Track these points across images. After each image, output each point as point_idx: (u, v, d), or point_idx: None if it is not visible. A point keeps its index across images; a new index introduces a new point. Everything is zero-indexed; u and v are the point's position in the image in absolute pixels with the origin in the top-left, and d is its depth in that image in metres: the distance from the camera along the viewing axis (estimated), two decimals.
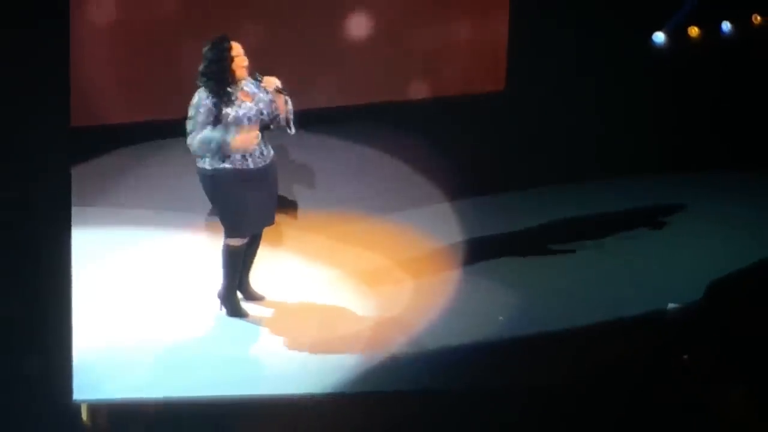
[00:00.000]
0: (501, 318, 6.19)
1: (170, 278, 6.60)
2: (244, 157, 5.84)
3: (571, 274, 6.90)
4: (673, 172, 8.73)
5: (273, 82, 5.90)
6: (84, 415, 5.23)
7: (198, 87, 5.85)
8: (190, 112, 5.80)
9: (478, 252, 7.20)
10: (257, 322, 6.14)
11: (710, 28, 10.97)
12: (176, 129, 6.25)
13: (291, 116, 5.94)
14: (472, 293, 6.58)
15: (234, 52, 5.79)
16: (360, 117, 9.59)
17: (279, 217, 7.36)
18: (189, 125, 5.79)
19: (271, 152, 6.01)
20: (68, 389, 4.89)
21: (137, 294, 6.39)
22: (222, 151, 5.74)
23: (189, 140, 5.78)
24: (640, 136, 9.41)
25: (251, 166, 5.87)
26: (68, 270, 4.67)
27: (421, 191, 8.33)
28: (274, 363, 5.87)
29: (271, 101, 5.91)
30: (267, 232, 6.59)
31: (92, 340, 5.66)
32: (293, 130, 6.00)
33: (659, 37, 10.77)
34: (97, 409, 5.31)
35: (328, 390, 5.54)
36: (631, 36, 10.53)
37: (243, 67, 5.83)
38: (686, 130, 9.50)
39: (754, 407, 5.23)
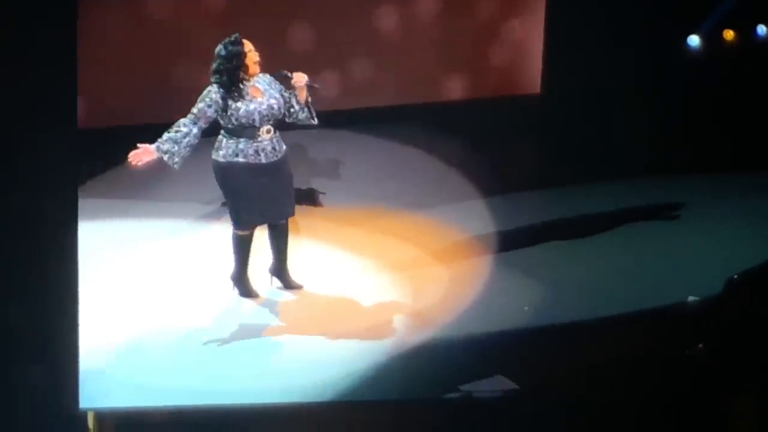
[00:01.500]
0: (526, 308, 6.33)
1: (183, 277, 6.68)
2: (256, 151, 6.00)
3: (595, 267, 7.02)
4: (702, 173, 8.78)
5: (302, 77, 6.06)
6: (90, 424, 5.24)
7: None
8: (198, 101, 5.95)
9: (508, 245, 7.35)
10: (277, 316, 6.24)
11: (745, 32, 10.79)
12: None
13: (311, 106, 6.12)
14: (500, 284, 6.73)
15: (246, 49, 5.93)
16: (400, 117, 9.73)
17: (321, 211, 7.62)
18: (195, 108, 5.94)
19: (284, 147, 6.15)
20: (74, 397, 4.91)
21: (148, 294, 6.44)
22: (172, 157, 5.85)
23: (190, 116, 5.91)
24: (670, 137, 9.42)
25: (263, 160, 6.03)
26: (75, 277, 4.65)
27: (455, 189, 8.45)
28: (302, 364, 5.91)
29: (284, 97, 6.09)
30: (308, 225, 7.01)
31: (100, 346, 5.68)
32: (316, 120, 6.19)
33: (694, 40, 10.67)
34: (104, 417, 5.33)
35: (356, 379, 5.67)
36: (666, 39, 10.42)
37: (255, 62, 5.99)
38: (716, 131, 9.51)
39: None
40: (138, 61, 9.53)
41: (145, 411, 5.39)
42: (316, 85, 6.12)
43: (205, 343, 5.88)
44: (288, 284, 6.45)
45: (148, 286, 6.63)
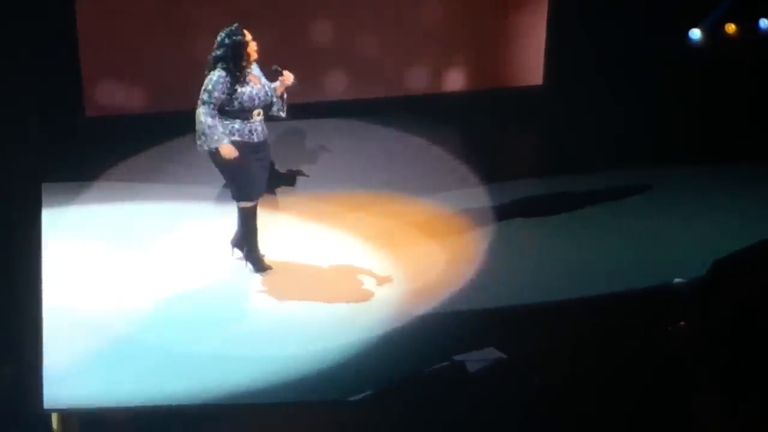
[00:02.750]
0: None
1: (151, 272, 6.90)
2: (250, 131, 6.48)
3: (586, 249, 7.36)
4: (694, 163, 8.99)
5: (291, 77, 6.59)
6: (55, 425, 5.23)
7: (208, 72, 6.41)
8: (208, 86, 6.36)
9: (504, 227, 7.73)
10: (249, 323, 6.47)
11: (748, 25, 10.88)
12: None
13: (284, 100, 6.63)
14: (494, 264, 7.12)
15: (247, 39, 6.42)
16: (406, 108, 10.03)
17: (325, 195, 8.06)
18: (204, 96, 6.35)
19: (266, 130, 6.68)
20: (38, 398, 4.89)
21: (114, 292, 6.60)
22: (207, 142, 6.34)
23: (201, 110, 6.33)
24: (667, 129, 9.63)
25: (255, 139, 6.52)
26: (38, 277, 4.71)
27: (458, 175, 8.78)
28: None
29: (272, 86, 6.58)
30: (310, 209, 7.52)
31: (64, 345, 5.76)
32: (284, 114, 6.70)
33: (695, 33, 10.79)
34: (69, 417, 5.32)
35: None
36: (668, 32, 10.51)
37: (255, 51, 6.46)
38: (714, 123, 9.69)
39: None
40: (139, 52, 9.72)
41: (110, 411, 5.46)
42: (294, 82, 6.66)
43: (178, 337, 6.14)
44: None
45: (113, 282, 6.87)
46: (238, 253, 6.88)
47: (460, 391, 5.74)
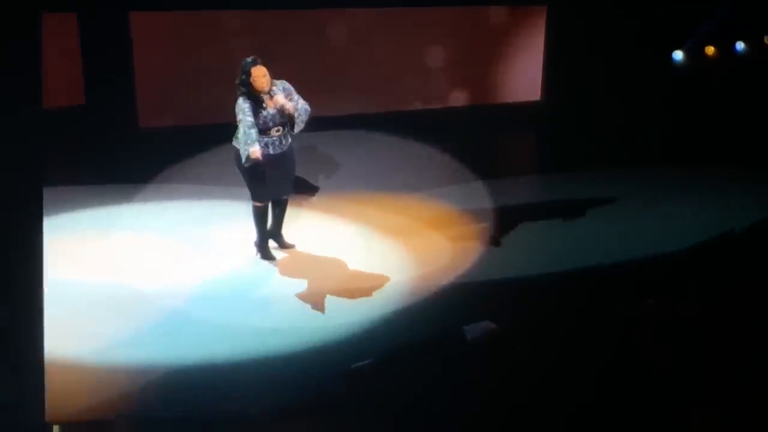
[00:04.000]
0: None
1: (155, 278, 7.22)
2: (266, 145, 7.11)
3: (574, 238, 8.09)
4: (671, 166, 9.75)
5: (279, 102, 7.07)
6: None
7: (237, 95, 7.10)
8: (238, 112, 7.04)
9: (500, 220, 8.44)
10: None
11: (725, 48, 11.45)
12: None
13: (297, 121, 7.17)
14: (490, 250, 7.85)
15: (254, 72, 7.01)
16: (417, 121, 10.85)
17: (347, 195, 8.71)
18: (240, 115, 7.01)
19: (290, 142, 7.26)
20: (40, 410, 4.68)
21: (114, 302, 6.81)
22: (242, 146, 6.99)
23: (240, 125, 7.00)
24: (650, 137, 10.33)
25: (271, 152, 7.15)
26: (40, 285, 4.38)
27: (462, 178, 9.48)
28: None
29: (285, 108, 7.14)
30: (333, 206, 8.20)
31: (66, 357, 5.85)
32: (294, 131, 7.25)
33: (679, 54, 11.35)
34: (70, 429, 5.33)
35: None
36: (653, 53, 11.05)
37: (261, 80, 7.02)
38: (690, 133, 10.35)
39: None
40: (190, 69, 10.50)
41: (111, 423, 5.49)
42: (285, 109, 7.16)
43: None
44: (282, 244, 7.63)
45: (165, 264, 7.41)
46: (273, 243, 7.55)
47: (460, 354, 6.22)
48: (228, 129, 7.30)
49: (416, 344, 6.21)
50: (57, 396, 5.09)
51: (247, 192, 7.50)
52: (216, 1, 10.37)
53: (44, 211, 7.63)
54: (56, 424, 5.09)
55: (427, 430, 5.37)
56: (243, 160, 7.08)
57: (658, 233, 8.11)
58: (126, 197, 8.80)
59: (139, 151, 9.81)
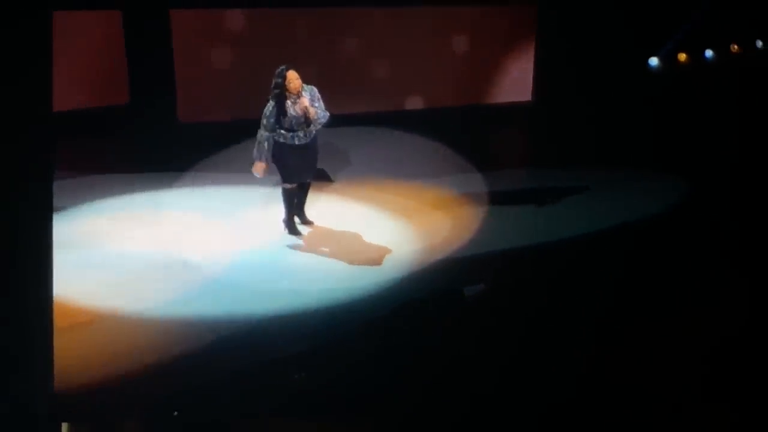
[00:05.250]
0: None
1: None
2: (292, 137, 7.88)
3: (555, 219, 8.88)
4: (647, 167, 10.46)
5: (303, 104, 7.81)
6: None
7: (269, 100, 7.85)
8: (264, 114, 7.83)
9: (490, 202, 9.24)
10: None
11: (696, 55, 12.10)
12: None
13: (315, 124, 7.93)
14: (485, 226, 8.59)
15: (288, 77, 7.80)
16: (422, 118, 11.62)
17: (360, 181, 9.45)
18: (263, 121, 7.84)
19: (314, 134, 7.97)
20: (49, 408, 4.48)
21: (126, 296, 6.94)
22: (254, 153, 7.78)
23: (260, 130, 7.83)
24: (632, 138, 10.95)
25: (295, 142, 7.91)
26: (50, 282, 4.14)
27: (461, 168, 10.26)
28: None
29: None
30: (344, 188, 9.04)
31: (75, 356, 5.77)
32: (314, 129, 7.94)
33: (654, 60, 11.99)
34: (78, 429, 5.23)
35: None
36: (632, 59, 11.70)
37: (295, 82, 7.79)
38: (672, 134, 10.96)
39: None
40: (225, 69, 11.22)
41: (119, 422, 5.44)
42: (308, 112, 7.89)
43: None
44: (304, 220, 8.39)
45: (206, 239, 7.95)
46: (296, 219, 8.27)
47: (456, 311, 6.77)
48: (256, 125, 7.90)
49: (422, 300, 6.74)
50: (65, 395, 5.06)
51: (272, 180, 8.18)
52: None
53: (101, 194, 8.75)
54: (65, 422, 5.03)
55: (431, 375, 5.77)
56: (285, 142, 7.83)
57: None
58: (170, 183, 9.61)
59: (180, 144, 10.61)
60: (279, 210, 8.39)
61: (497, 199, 9.43)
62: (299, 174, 8.18)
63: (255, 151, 7.96)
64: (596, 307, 6.81)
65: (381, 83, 11.98)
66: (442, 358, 5.99)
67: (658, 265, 7.71)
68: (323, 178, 8.43)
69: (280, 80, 7.87)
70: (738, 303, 6.76)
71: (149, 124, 10.96)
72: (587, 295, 7.10)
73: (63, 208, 8.55)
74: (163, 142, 10.78)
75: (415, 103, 12.21)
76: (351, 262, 7.75)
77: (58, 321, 4.40)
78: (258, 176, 8.02)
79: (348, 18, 11.72)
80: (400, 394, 5.58)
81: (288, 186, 8.22)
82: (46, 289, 4.16)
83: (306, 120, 7.93)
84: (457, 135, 11.14)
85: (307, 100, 7.93)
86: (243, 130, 9.09)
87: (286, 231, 8.35)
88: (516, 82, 12.35)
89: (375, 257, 7.83)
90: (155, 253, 7.91)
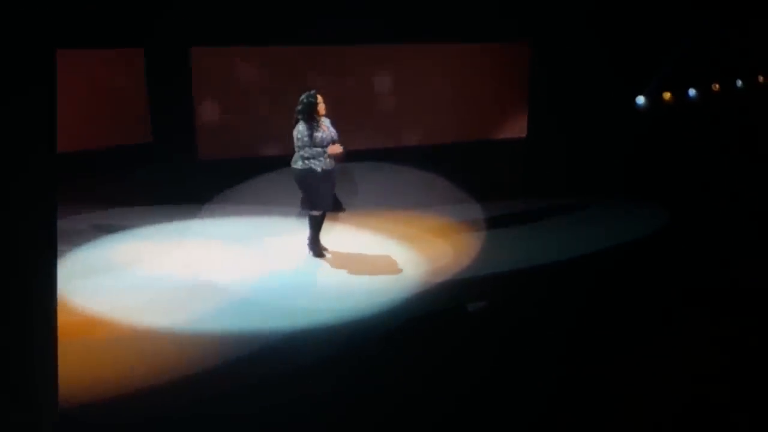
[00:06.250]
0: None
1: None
2: (319, 161, 8.10)
3: (549, 243, 9.27)
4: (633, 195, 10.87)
5: (337, 150, 8.17)
6: None
7: (295, 123, 8.07)
8: (298, 135, 8.05)
9: (488, 228, 9.68)
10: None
11: (680, 93, 12.54)
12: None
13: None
14: (484, 250, 8.99)
15: (318, 100, 8.18)
16: (425, 154, 12.06)
17: (370, 211, 9.81)
18: (305, 138, 8.04)
19: (334, 162, 8.25)
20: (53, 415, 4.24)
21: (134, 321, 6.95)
22: (316, 157, 8.02)
23: (302, 144, 8.00)
24: (616, 170, 11.30)
25: (326, 168, 8.18)
26: (53, 307, 4.01)
27: (460, 198, 10.71)
28: None
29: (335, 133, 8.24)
30: (355, 218, 9.38)
31: (79, 384, 5.64)
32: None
33: (641, 99, 12.41)
34: None
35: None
36: (620, 97, 12.13)
37: (322, 105, 8.16)
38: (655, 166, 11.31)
39: None
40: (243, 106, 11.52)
41: (120, 425, 5.37)
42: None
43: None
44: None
45: (229, 263, 8.20)
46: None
47: (459, 326, 7.18)
48: (269, 161, 8.36)
49: (428, 315, 7.06)
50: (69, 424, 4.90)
51: (282, 210, 8.52)
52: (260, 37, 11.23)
53: (131, 223, 9.09)
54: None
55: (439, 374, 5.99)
56: (318, 170, 8.09)
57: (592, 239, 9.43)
58: (192, 214, 10.00)
59: (200, 178, 11.12)
60: (294, 236, 8.74)
61: (493, 225, 9.80)
62: (326, 200, 8.34)
63: (317, 157, 8.04)
64: (585, 321, 7.17)
65: (380, 121, 12.39)
66: (451, 368, 6.20)
67: (643, 284, 8.08)
68: (338, 207, 8.74)
69: (313, 100, 8.13)
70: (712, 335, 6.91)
71: (171, 160, 11.48)
72: (577, 311, 7.49)
73: (97, 236, 8.93)
74: (185, 176, 11.25)
75: (415, 140, 12.62)
76: (364, 283, 8.00)
77: (98, 335, 4.33)
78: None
79: (359, 57, 12.15)
80: (411, 400, 5.75)
81: (315, 213, 8.41)
82: (49, 312, 4.05)
83: (331, 141, 8.18)
84: (456, 168, 11.61)
85: (328, 124, 8.33)
86: (257, 166, 9.67)
87: (311, 254, 8.58)
88: (511, 119, 12.83)
89: (383, 279, 8.08)
90: (184, 275, 8.21)
